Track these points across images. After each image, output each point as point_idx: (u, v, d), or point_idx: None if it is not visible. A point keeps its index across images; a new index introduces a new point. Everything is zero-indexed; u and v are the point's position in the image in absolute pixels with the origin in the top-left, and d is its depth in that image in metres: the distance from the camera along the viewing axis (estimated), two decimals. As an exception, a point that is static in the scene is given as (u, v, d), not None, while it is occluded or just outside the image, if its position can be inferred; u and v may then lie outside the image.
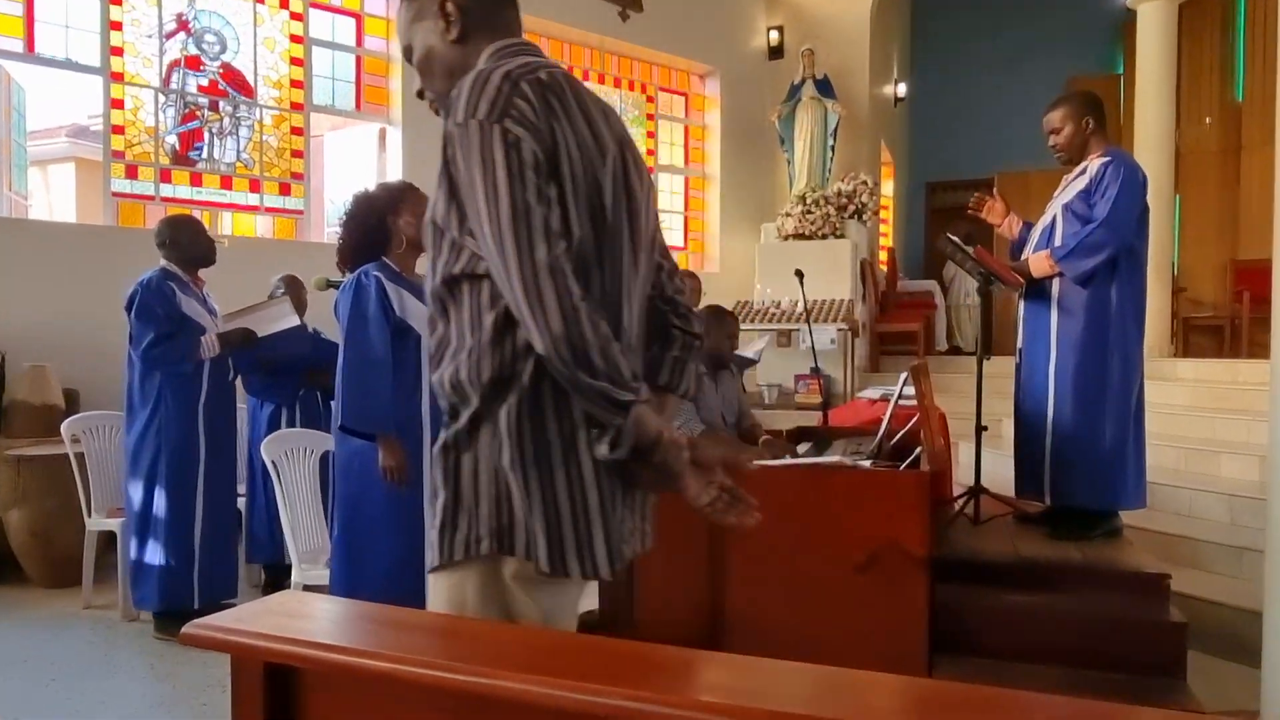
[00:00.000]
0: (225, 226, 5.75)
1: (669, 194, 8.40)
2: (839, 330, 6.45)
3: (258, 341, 3.44)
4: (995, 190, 3.47)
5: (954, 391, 6.62)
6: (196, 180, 5.62)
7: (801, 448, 3.15)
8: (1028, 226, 3.37)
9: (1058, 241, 3.10)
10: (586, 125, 1.14)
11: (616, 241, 1.16)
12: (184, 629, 0.98)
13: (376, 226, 2.51)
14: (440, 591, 1.15)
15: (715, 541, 2.58)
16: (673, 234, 8.42)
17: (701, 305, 3.96)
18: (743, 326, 6.99)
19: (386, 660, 0.88)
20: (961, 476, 4.61)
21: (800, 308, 6.38)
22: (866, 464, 2.50)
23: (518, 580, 1.12)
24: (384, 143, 6.46)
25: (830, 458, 2.57)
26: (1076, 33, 10.09)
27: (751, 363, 4.88)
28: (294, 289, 4.09)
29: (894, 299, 8.43)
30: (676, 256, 9.00)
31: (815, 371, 4.74)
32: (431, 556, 1.15)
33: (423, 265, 2.80)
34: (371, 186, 2.64)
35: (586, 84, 1.22)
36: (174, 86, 5.43)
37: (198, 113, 5.61)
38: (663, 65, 8.18)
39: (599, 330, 1.06)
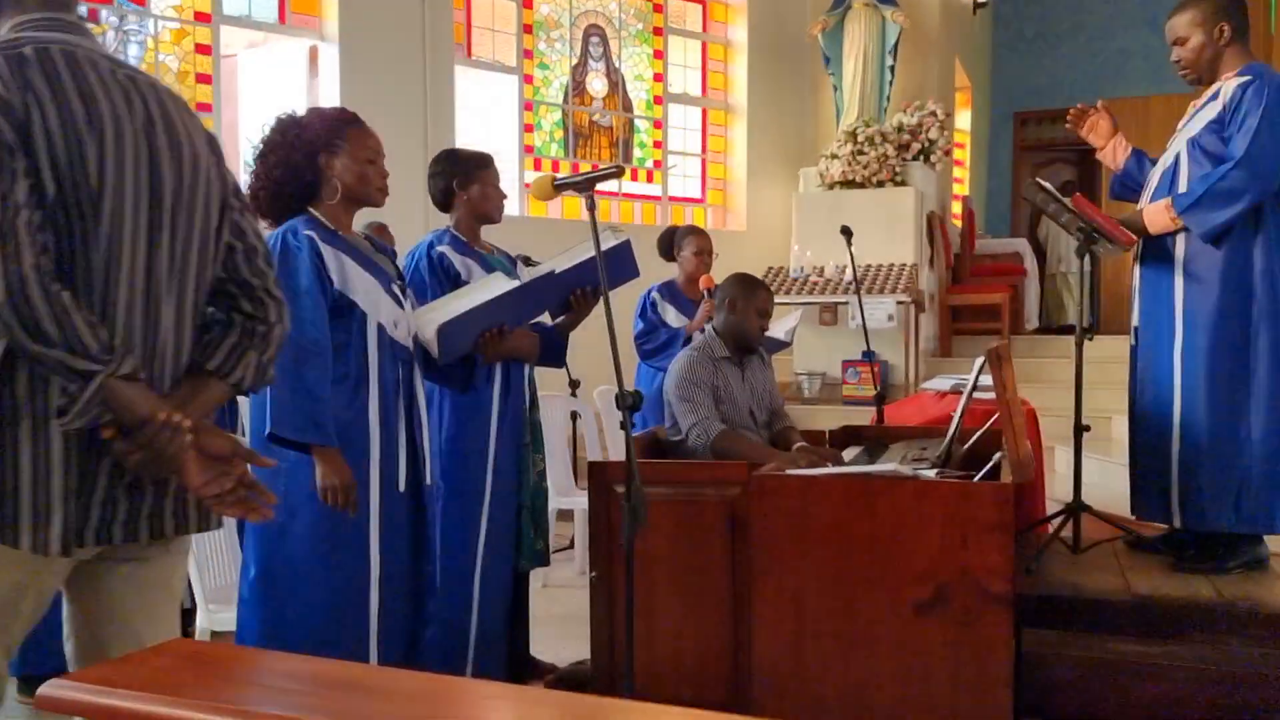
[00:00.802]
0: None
1: (682, 131, 8.39)
2: (899, 304, 6.43)
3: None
4: (1100, 104, 3.41)
5: (1048, 381, 6.60)
6: (74, 114, 5.60)
7: (848, 454, 3.14)
8: (1139, 158, 3.32)
9: (1182, 186, 3.06)
10: (83, 105, 1.43)
11: (118, 222, 1.45)
12: (40, 690, 0.97)
13: (305, 165, 2.45)
14: None
15: (739, 575, 2.58)
16: (687, 182, 8.41)
17: (718, 272, 3.96)
18: (775, 300, 6.95)
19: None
20: (1057, 490, 4.61)
21: (849, 275, 6.36)
22: (932, 474, 2.48)
23: None
24: (315, 64, 6.44)
25: (885, 466, 2.56)
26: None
27: (783, 345, 4.87)
28: None
29: (971, 263, 8.41)
30: (691, 211, 8.93)
31: (868, 356, 4.71)
32: None
33: (359, 223, 2.84)
34: (302, 111, 2.60)
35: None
36: (44, -7, 5.45)
37: (75, 26, 5.59)
38: (673, -37, 8.15)
39: (53, 299, 1.34)
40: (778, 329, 4.61)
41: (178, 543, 1.61)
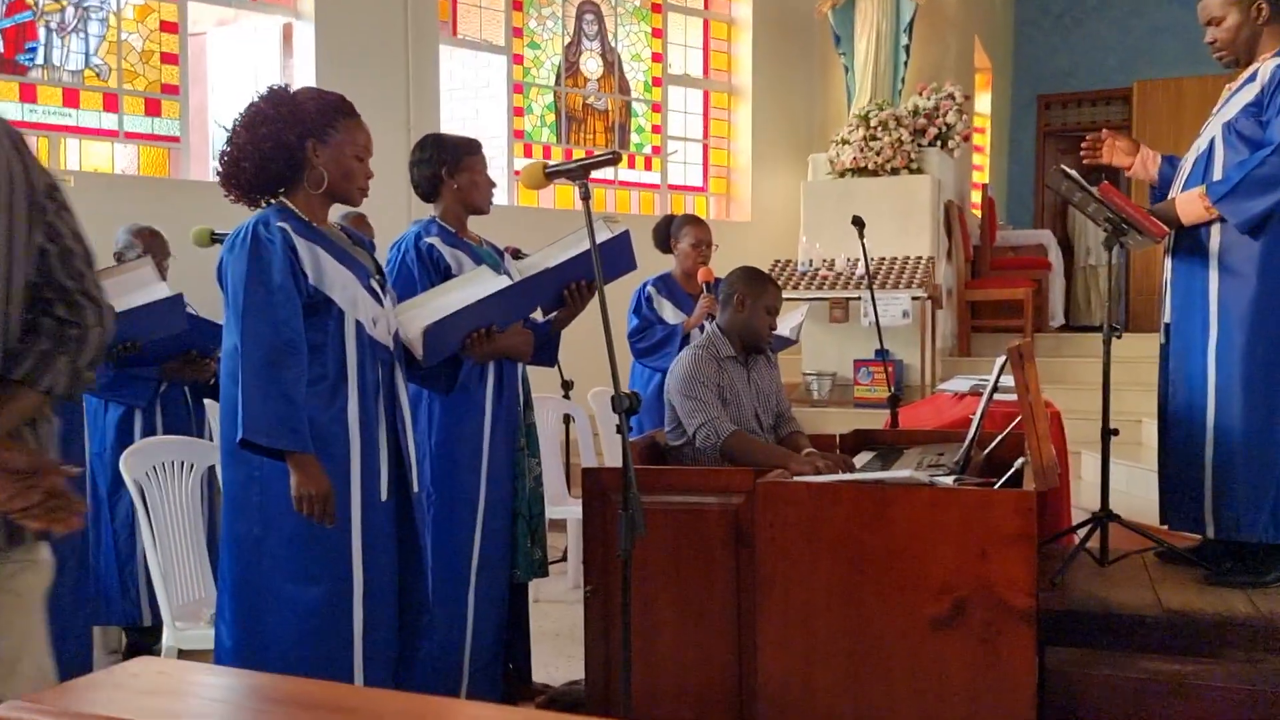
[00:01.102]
0: (70, 159, 5.73)
1: (682, 114, 8.40)
2: (914, 300, 6.44)
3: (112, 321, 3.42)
4: (1105, 132, 3.41)
5: (1073, 382, 6.62)
6: (29, 94, 5.59)
7: (860, 459, 3.14)
8: (1171, 163, 3.33)
9: (1217, 174, 3.06)
10: None
11: None
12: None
13: (294, 145, 2.45)
14: None
15: (744, 589, 2.58)
16: (688, 169, 8.43)
17: (720, 265, 3.95)
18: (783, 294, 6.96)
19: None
20: (1083, 498, 4.62)
21: (861, 269, 6.37)
22: (949, 480, 2.49)
23: None
24: (289, 43, 6.44)
25: (900, 473, 2.57)
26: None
27: (789, 343, 4.88)
28: (152, 247, 4.07)
29: (992, 256, 8.43)
30: (692, 200, 8.94)
31: (882, 356, 4.73)
32: None
33: (335, 214, 2.84)
34: (295, 86, 2.59)
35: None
36: (-2, -35, 5.44)
37: None
38: (673, -65, 8.15)
39: None
40: (783, 326, 4.61)
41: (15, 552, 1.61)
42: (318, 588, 2.39)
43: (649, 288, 4.38)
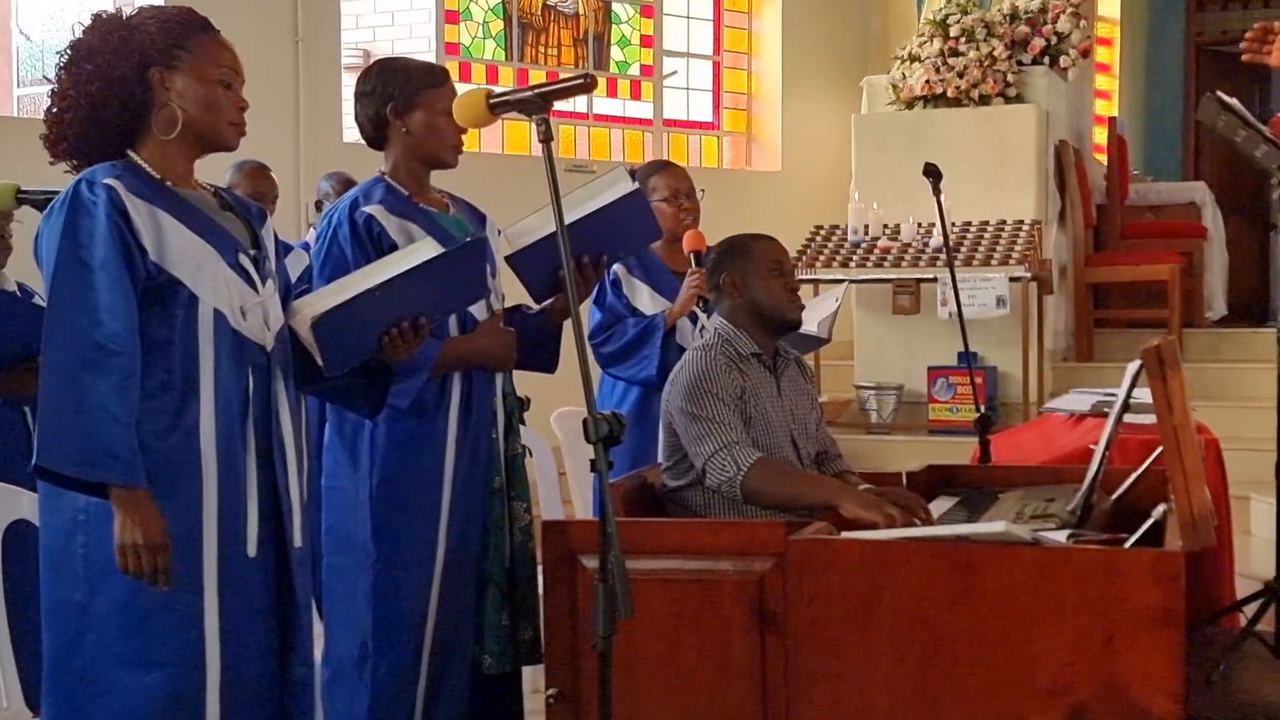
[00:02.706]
0: None
1: (684, 21, 8.42)
2: (1014, 282, 6.46)
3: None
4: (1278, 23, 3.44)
5: (1237, 399, 6.63)
6: None
7: (938, 507, 3.15)
8: None
9: None
10: None
11: None
12: None
13: (131, 80, 2.51)
14: None
15: (772, 689, 2.59)
16: (693, 99, 8.44)
17: (725, 230, 3.93)
18: (818, 272, 6.99)
19: None
20: (1251, 562, 4.61)
21: (937, 239, 6.39)
22: (1061, 537, 2.49)
23: None
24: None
25: (993, 526, 2.57)
26: None
27: (817, 343, 4.86)
28: None
29: (1123, 221, 8.44)
30: (699, 142, 8.93)
31: (967, 361, 4.72)
32: None
33: (205, 173, 2.85)
34: (132, 9, 2.64)
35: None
36: None
37: None
38: None
39: None
40: (809, 319, 4.52)
41: None
42: (158, 673, 2.42)
43: (616, 268, 4.33)
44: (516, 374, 3.47)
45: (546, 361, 3.31)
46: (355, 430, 3.03)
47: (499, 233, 3.21)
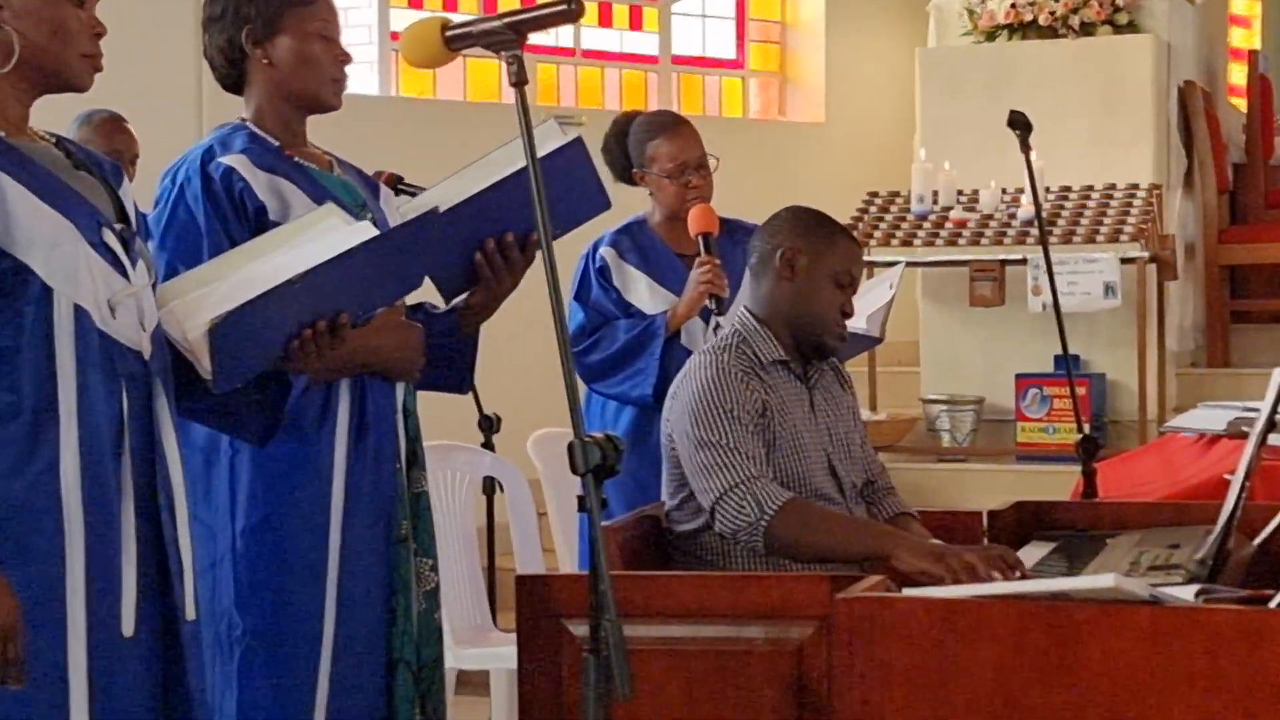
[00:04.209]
0: None
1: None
2: (1126, 264, 6.48)
3: None
4: None
5: None
6: None
7: (1029, 555, 3.16)
8: None
9: None
10: None
11: None
12: None
13: None
14: None
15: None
16: (710, 29, 8.47)
17: (756, 206, 3.94)
18: (873, 252, 6.96)
19: None
20: None
21: (1027, 209, 6.39)
22: (1188, 594, 2.50)
23: None
24: None
25: (1099, 579, 2.58)
26: None
27: (868, 343, 4.89)
28: None
29: (1268, 186, 8.44)
30: (718, 82, 8.94)
31: (1067, 368, 4.73)
32: None
33: (47, 118, 2.83)
34: None
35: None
36: None
37: None
38: None
39: None
40: (858, 313, 4.53)
41: None
42: None
43: (603, 251, 4.34)
44: (484, 386, 3.46)
45: (456, 379, 3.29)
46: (209, 454, 2.98)
47: (396, 209, 3.18)
